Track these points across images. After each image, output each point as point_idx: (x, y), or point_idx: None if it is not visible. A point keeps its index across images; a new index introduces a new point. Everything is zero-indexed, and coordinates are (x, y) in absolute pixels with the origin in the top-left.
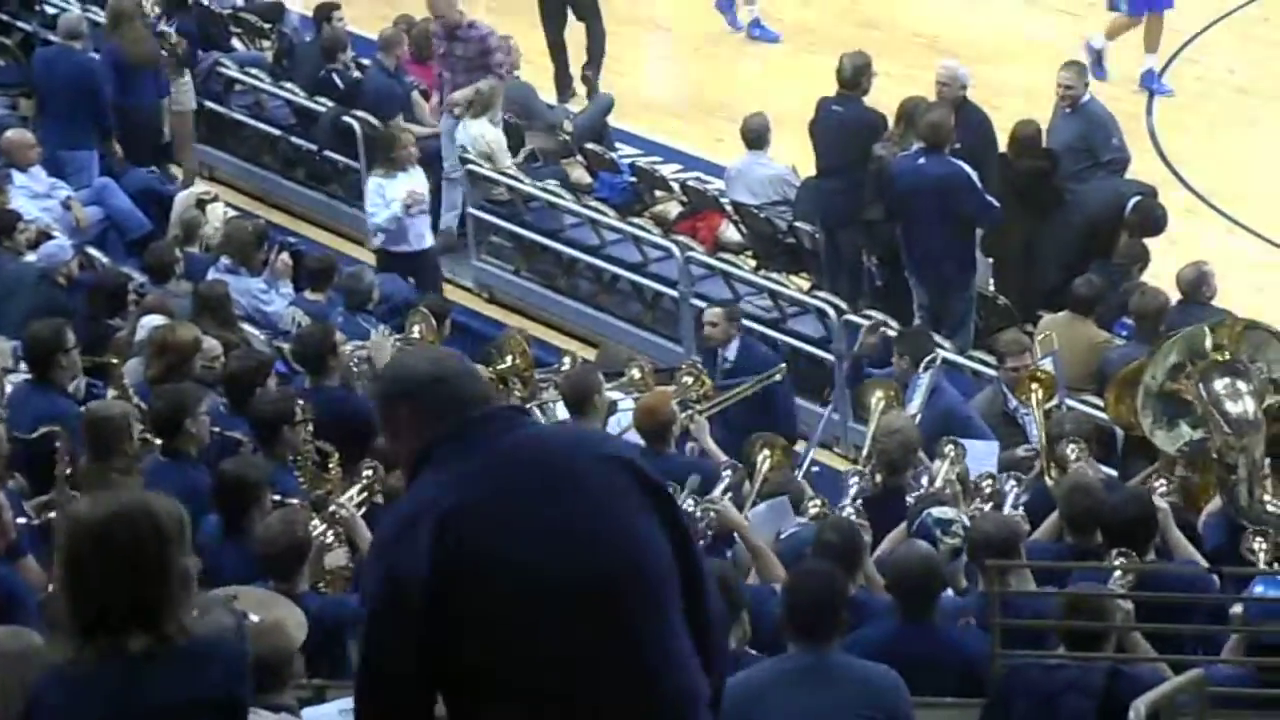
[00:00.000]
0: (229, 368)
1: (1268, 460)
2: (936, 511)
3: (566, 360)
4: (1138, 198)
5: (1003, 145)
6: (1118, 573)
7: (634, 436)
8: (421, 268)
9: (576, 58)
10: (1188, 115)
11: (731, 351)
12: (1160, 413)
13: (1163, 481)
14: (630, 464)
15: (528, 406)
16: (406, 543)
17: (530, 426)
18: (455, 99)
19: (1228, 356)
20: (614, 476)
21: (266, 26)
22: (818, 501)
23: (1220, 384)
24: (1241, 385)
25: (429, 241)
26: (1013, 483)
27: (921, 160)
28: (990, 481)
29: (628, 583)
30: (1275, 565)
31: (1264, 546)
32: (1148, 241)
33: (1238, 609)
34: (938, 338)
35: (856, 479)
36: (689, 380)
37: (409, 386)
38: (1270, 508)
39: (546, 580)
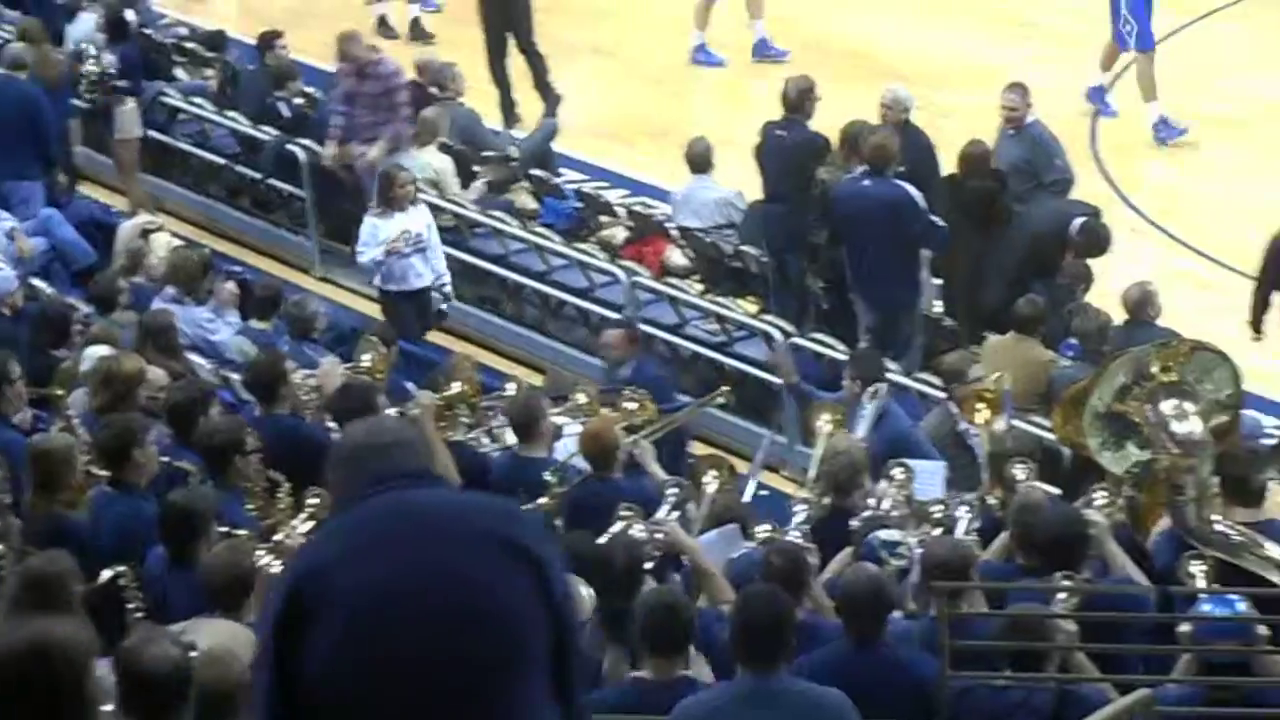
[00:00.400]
0: (170, 399)
1: (1215, 480)
2: (883, 534)
3: (511, 386)
4: (1082, 218)
5: (947, 166)
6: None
7: (580, 462)
8: (423, 306)
9: (522, 85)
10: (1131, 135)
11: (627, 370)
12: (1107, 434)
13: (1103, 496)
14: (505, 535)
15: (474, 433)
16: (270, 601)
17: (416, 496)
18: (371, 158)
19: (1175, 378)
20: (482, 548)
21: (209, 55)
22: (766, 525)
23: (1167, 405)
24: (1188, 406)
25: (427, 280)
26: (965, 509)
27: (866, 183)
28: (940, 507)
29: (479, 650)
30: (1216, 586)
31: (1203, 569)
32: (1093, 261)
33: (1186, 628)
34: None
35: (803, 504)
36: (633, 405)
37: (337, 455)
38: (1218, 527)
39: (390, 646)
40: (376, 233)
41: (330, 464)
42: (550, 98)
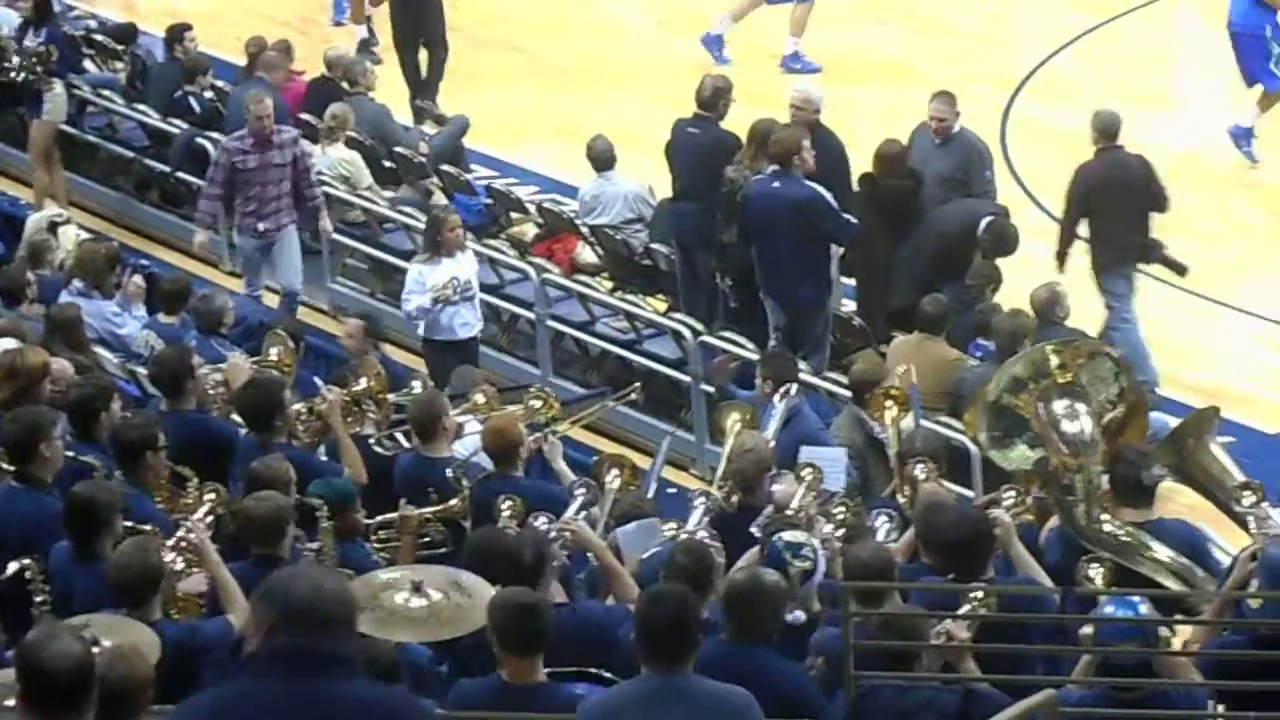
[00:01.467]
0: (71, 395)
1: (1105, 480)
2: (787, 535)
3: (416, 384)
4: (990, 218)
5: (860, 166)
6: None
7: (483, 459)
8: (469, 356)
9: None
10: (1040, 137)
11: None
12: (997, 429)
13: (1010, 497)
14: None
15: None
16: None
17: (305, 690)
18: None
19: (1069, 378)
20: None
21: (119, 48)
22: (673, 523)
23: (1059, 405)
24: (1080, 407)
25: (475, 329)
26: (884, 518)
27: (776, 184)
28: (843, 509)
29: None
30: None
31: (1100, 572)
32: (1002, 262)
33: (1088, 629)
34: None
35: (703, 499)
36: (537, 404)
37: (273, 595)
38: (1107, 527)
39: None
40: (423, 280)
41: (263, 597)
42: (432, 94)
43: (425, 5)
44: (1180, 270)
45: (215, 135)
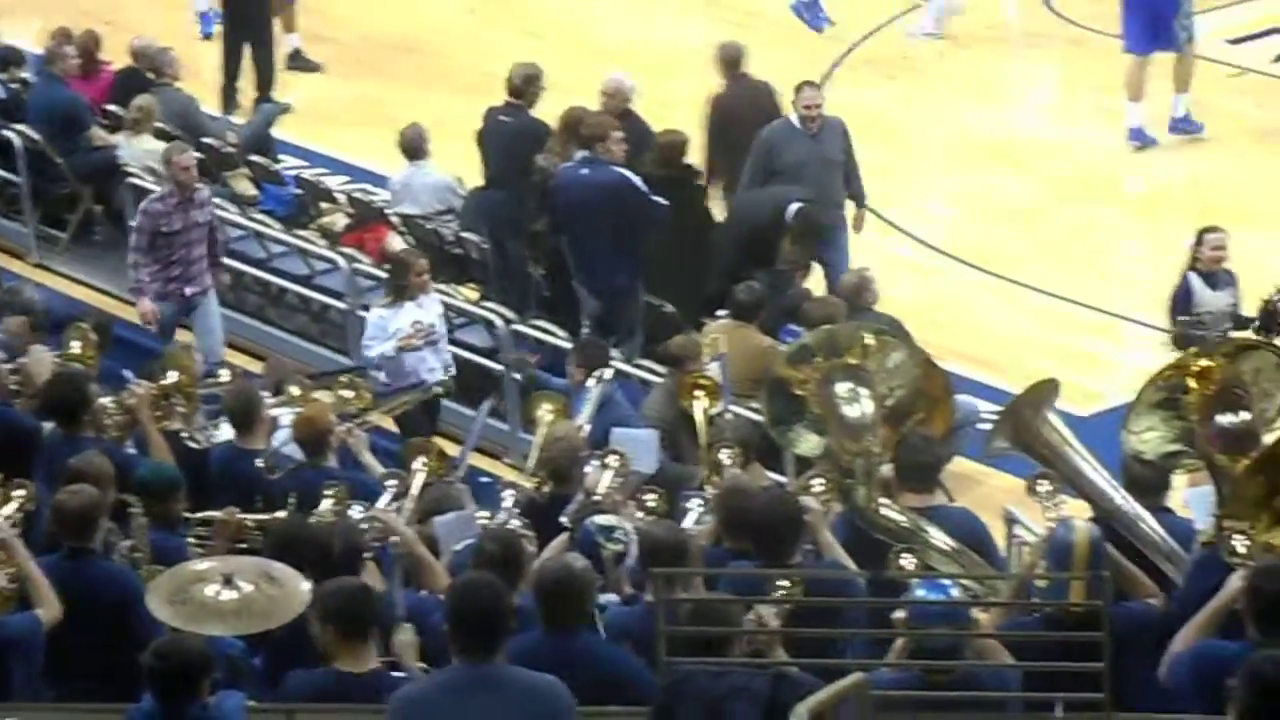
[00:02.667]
0: None
1: (888, 466)
2: (599, 519)
3: (224, 373)
4: (798, 204)
5: None
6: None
7: (294, 450)
8: (432, 403)
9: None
10: (852, 123)
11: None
12: (781, 410)
13: (820, 482)
14: None
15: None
16: None
17: None
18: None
19: (857, 361)
20: None
21: None
22: (485, 512)
23: (842, 387)
24: (863, 391)
25: (439, 375)
26: (696, 501)
27: (585, 170)
28: (655, 497)
29: None
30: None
31: (913, 563)
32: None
33: (900, 614)
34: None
35: (512, 489)
36: (348, 394)
37: None
38: (886, 511)
39: None
40: (386, 325)
41: None
42: (267, 85)
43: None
44: None
45: (20, 127)
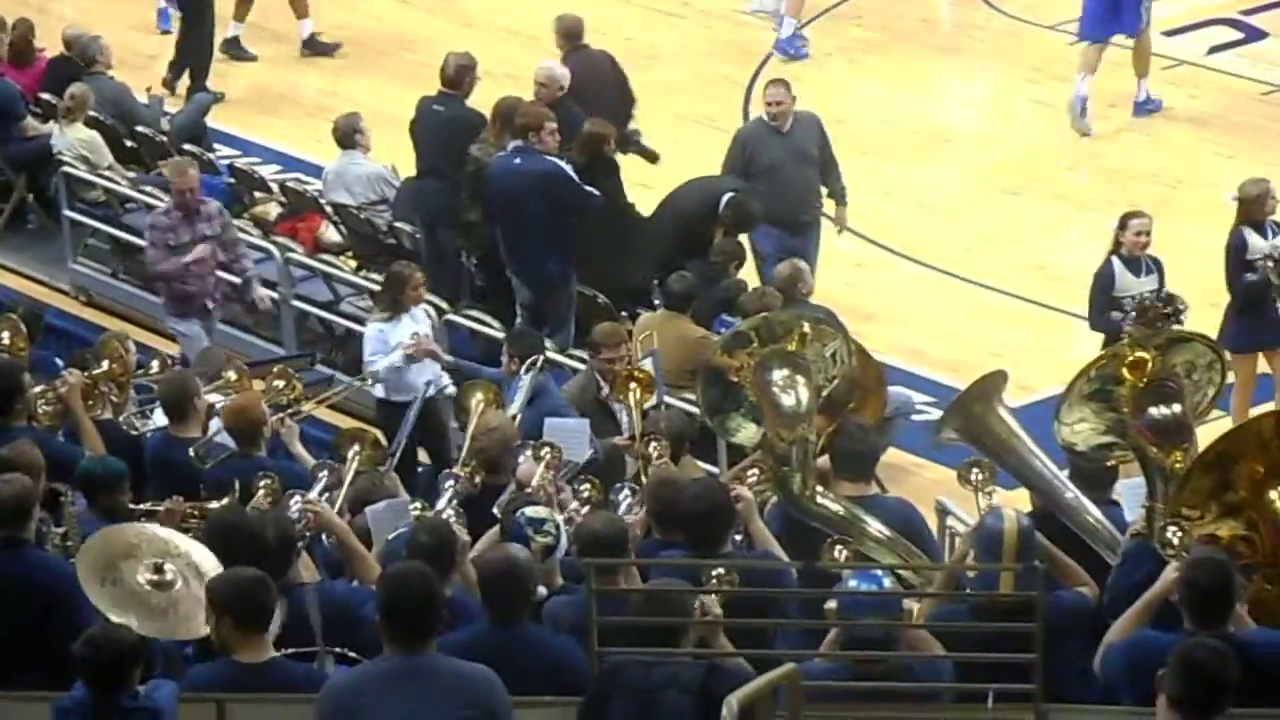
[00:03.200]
0: None
1: (824, 457)
2: (529, 511)
3: (155, 363)
4: (731, 194)
5: None
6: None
7: (227, 438)
8: (429, 416)
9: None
10: None
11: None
12: (717, 398)
13: (755, 473)
14: None
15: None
16: None
17: None
18: None
19: (794, 348)
20: None
21: None
22: (417, 503)
23: (778, 374)
24: (799, 379)
25: (444, 383)
26: (627, 492)
27: (518, 160)
28: (589, 487)
29: None
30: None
31: (844, 554)
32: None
33: (832, 604)
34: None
35: (451, 480)
36: (280, 384)
37: None
38: (821, 500)
39: None
40: (386, 338)
41: None
42: (202, 74)
43: None
44: (652, 158)
45: None
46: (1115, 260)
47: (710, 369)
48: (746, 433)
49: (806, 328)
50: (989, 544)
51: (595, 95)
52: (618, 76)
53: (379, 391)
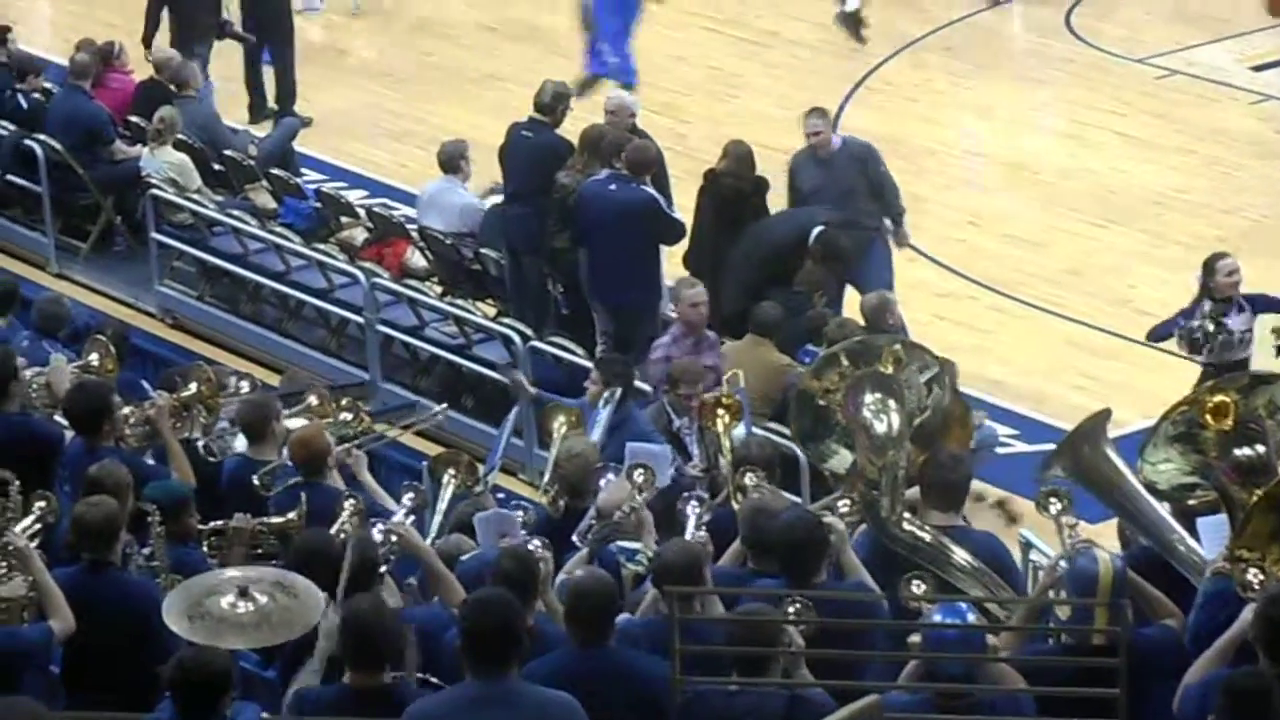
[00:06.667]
0: None
1: (913, 488)
2: (622, 541)
3: (245, 383)
4: (822, 226)
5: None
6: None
7: None
8: None
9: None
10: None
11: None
12: (809, 424)
13: (846, 503)
14: None
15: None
16: None
17: None
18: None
19: (889, 370)
20: None
21: None
22: (521, 512)
23: (870, 398)
24: (891, 403)
25: None
26: (694, 504)
27: (612, 186)
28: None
29: None
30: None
31: (922, 588)
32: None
33: (916, 637)
34: None
35: (530, 507)
36: (348, 416)
37: None
38: (908, 526)
39: None
40: None
41: None
42: (289, 99)
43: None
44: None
45: (42, 137)
46: (1207, 305)
47: (802, 395)
48: (839, 459)
49: (899, 351)
50: (1082, 585)
51: None
52: None
53: None
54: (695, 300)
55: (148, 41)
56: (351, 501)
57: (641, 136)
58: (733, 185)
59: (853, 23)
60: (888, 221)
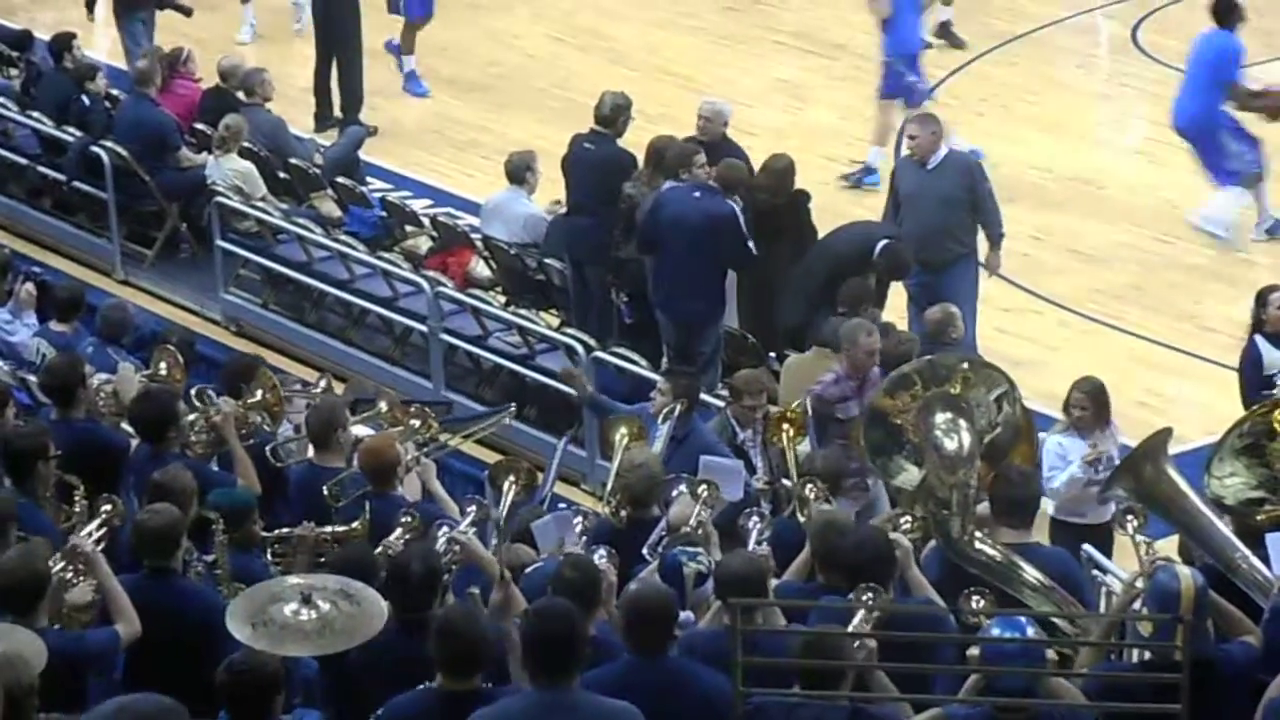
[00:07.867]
0: None
1: (984, 501)
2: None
3: (322, 383)
4: (886, 240)
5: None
6: (861, 611)
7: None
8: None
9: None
10: None
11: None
12: (880, 440)
13: (908, 519)
14: None
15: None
16: None
17: None
18: None
19: (958, 390)
20: None
21: (14, 55)
22: (580, 518)
23: (941, 417)
24: (962, 422)
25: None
26: (755, 519)
27: (697, 194)
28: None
29: None
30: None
31: (982, 604)
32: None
33: (975, 651)
34: None
35: (586, 517)
36: (416, 423)
37: None
38: (979, 545)
39: None
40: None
41: None
42: (354, 107)
43: (337, 10)
44: (187, 13)
45: (109, 144)
46: (1259, 339)
47: (874, 411)
48: (908, 475)
49: (969, 371)
50: (1165, 602)
51: None
52: None
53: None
54: (871, 349)
55: (90, 6)
56: (407, 519)
57: (731, 147)
58: (765, 200)
59: (948, 32)
60: (983, 243)
